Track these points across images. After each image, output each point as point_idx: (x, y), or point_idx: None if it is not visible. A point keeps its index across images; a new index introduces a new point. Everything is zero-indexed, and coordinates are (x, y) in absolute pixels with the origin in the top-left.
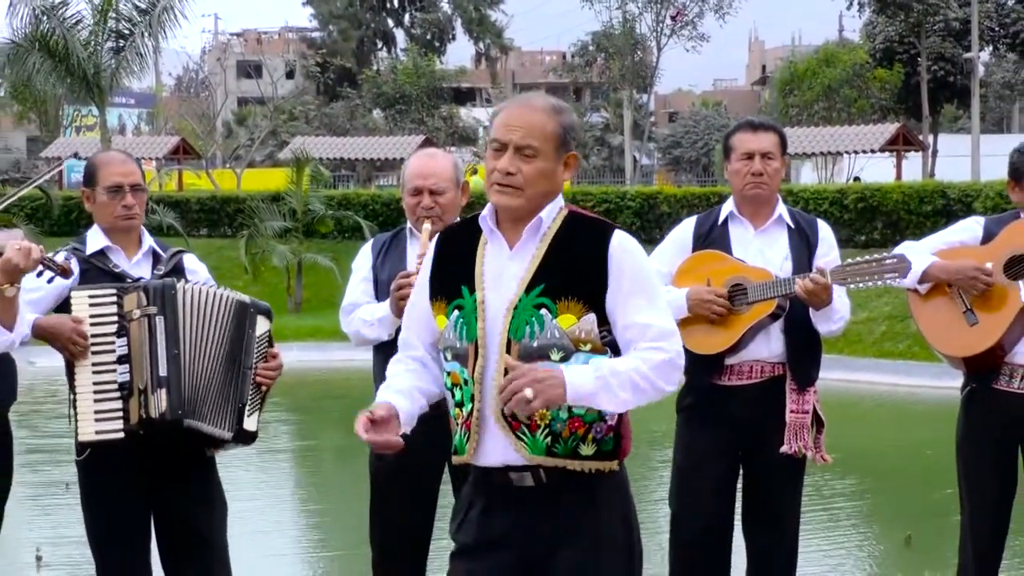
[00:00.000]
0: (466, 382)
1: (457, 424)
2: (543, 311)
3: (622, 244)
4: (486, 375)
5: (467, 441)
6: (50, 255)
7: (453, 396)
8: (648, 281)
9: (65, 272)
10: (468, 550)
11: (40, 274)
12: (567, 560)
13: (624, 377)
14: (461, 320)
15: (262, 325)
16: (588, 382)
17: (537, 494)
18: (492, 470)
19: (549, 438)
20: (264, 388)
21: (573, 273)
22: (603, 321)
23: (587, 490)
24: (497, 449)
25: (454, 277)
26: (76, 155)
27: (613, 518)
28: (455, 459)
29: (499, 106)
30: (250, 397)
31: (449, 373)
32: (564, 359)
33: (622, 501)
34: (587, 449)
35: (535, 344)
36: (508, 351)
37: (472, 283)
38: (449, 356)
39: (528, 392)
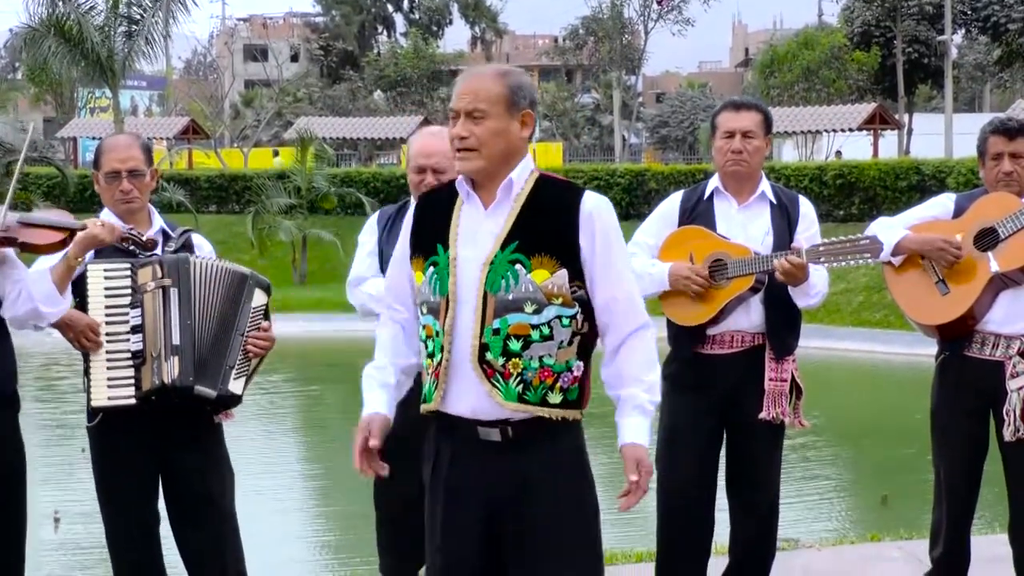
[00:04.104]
0: (437, 333)
1: (428, 374)
2: (517, 266)
3: (594, 205)
4: (456, 326)
5: (435, 389)
6: (134, 230)
7: (426, 347)
8: (616, 243)
9: (150, 245)
10: (438, 497)
11: (125, 248)
12: (530, 513)
13: (654, 389)
14: (435, 276)
15: (259, 298)
16: (646, 431)
17: (503, 448)
18: (459, 420)
19: (521, 386)
20: (252, 356)
21: (546, 231)
22: (574, 277)
23: (551, 444)
24: (466, 398)
25: (431, 236)
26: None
27: (574, 471)
28: (422, 408)
29: (455, 80)
30: (238, 361)
31: (424, 326)
32: (536, 311)
33: (580, 453)
34: (555, 397)
35: (510, 297)
36: (485, 303)
37: (447, 241)
38: (424, 310)
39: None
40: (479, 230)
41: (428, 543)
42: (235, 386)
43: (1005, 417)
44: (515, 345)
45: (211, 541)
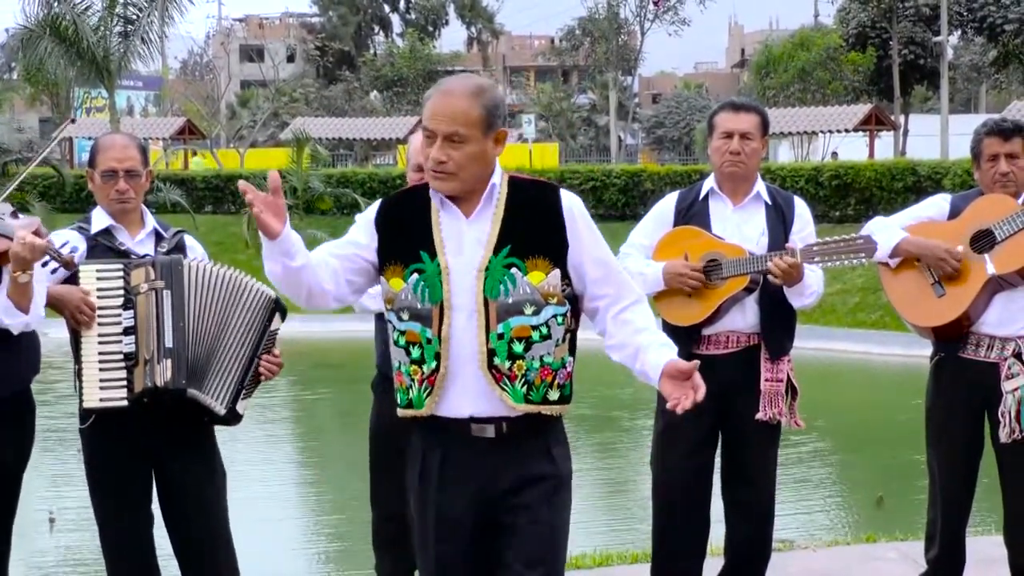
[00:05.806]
0: (429, 340)
1: (411, 380)
2: (513, 270)
3: (571, 201)
4: (454, 333)
5: (427, 396)
6: (56, 247)
7: (408, 353)
8: (596, 234)
9: (68, 264)
10: (429, 498)
11: (45, 264)
12: (523, 503)
13: (670, 344)
14: (423, 283)
15: (277, 322)
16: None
17: (496, 444)
18: (451, 421)
19: (525, 387)
20: (262, 379)
21: (535, 233)
22: (563, 275)
23: (542, 437)
24: (465, 401)
25: (410, 242)
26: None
27: (562, 460)
28: (403, 412)
29: (428, 93)
30: (248, 382)
31: (404, 332)
32: (536, 312)
33: (565, 444)
34: (554, 394)
35: (510, 300)
36: (486, 310)
37: (432, 248)
38: (406, 316)
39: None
40: (463, 238)
41: (418, 545)
42: (241, 406)
43: (1000, 419)
44: (518, 347)
45: (204, 541)
